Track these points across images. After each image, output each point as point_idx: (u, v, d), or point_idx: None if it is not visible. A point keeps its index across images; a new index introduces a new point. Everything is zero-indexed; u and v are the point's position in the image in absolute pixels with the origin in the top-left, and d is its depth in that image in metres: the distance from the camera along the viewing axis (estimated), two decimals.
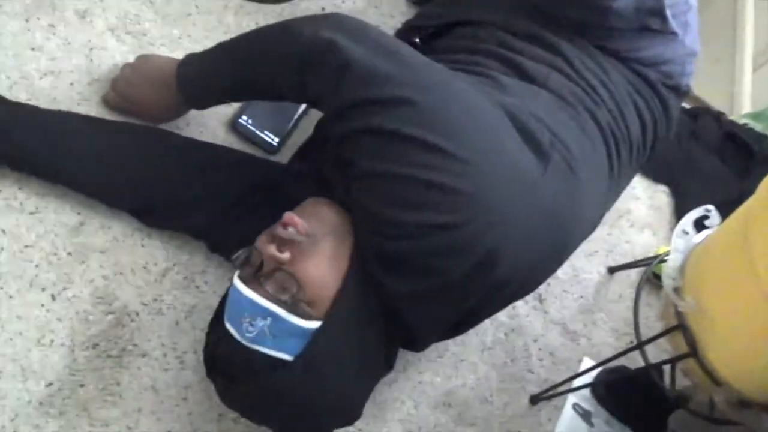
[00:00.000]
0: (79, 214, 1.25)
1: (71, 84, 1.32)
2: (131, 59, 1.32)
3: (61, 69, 1.32)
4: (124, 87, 1.27)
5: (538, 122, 1.03)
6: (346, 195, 1.01)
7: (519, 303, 1.48)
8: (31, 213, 1.23)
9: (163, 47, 1.39)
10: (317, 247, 0.92)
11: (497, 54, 1.16)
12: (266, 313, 0.88)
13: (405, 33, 1.36)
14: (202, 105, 1.23)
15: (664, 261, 1.19)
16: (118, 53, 1.37)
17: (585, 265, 1.62)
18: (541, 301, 1.54)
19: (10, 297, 1.17)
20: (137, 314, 1.23)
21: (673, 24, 1.18)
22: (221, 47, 1.15)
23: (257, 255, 0.96)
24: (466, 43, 1.23)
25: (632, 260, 1.59)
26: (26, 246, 1.20)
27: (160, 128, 1.27)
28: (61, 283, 1.20)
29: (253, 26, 1.34)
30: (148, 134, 1.27)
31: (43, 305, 1.18)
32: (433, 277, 0.95)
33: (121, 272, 1.24)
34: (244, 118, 1.38)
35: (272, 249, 0.90)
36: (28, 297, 1.18)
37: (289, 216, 0.97)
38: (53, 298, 1.19)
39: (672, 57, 1.22)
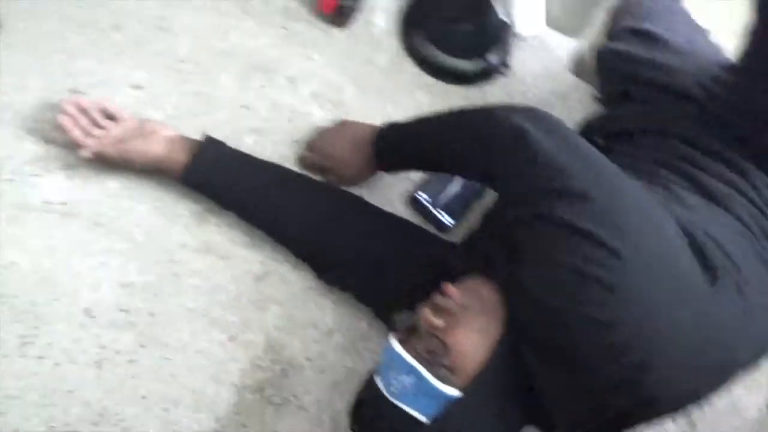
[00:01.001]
0: (263, 264, 1.36)
1: (273, 143, 1.44)
2: (327, 125, 1.45)
3: (266, 128, 1.46)
4: (323, 145, 1.40)
5: (711, 240, 1.05)
6: (507, 277, 1.06)
7: (668, 422, 1.44)
8: (223, 257, 1.33)
9: (359, 118, 1.48)
10: (470, 320, 0.97)
11: (679, 168, 1.20)
12: (411, 370, 0.94)
13: (588, 130, 1.41)
14: (393, 170, 1.36)
15: None
16: (318, 119, 1.50)
17: (745, 397, 1.54)
18: (691, 426, 1.49)
19: (196, 332, 1.27)
20: (302, 368, 1.32)
21: None
22: (423, 120, 1.26)
23: (415, 318, 1.03)
24: (648, 152, 1.27)
25: None
26: (215, 287, 1.31)
27: (349, 191, 1.37)
28: (240, 326, 1.30)
29: (445, 106, 1.45)
30: (340, 195, 1.38)
31: (222, 345, 1.28)
32: (580, 374, 0.97)
33: (293, 326, 1.34)
34: (423, 195, 1.46)
35: (429, 314, 0.96)
36: (212, 334, 1.29)
37: (448, 287, 1.04)
38: (232, 339, 1.28)
39: None
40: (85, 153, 1.26)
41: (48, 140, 1.33)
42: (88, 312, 1.23)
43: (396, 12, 1.65)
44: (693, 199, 1.13)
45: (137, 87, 1.40)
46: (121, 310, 1.25)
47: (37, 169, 1.31)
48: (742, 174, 1.18)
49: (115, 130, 1.29)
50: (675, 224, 1.03)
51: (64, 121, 1.27)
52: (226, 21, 1.54)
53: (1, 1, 1.41)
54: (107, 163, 1.29)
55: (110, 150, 1.27)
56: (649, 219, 1.01)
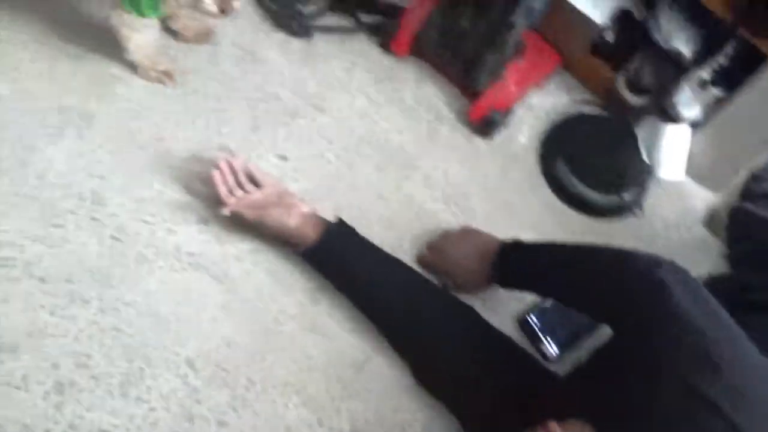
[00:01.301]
0: (365, 353, 1.36)
1: (398, 235, 1.47)
2: (452, 228, 1.48)
3: (393, 219, 1.50)
4: (445, 248, 1.42)
5: None
6: (615, 422, 1.02)
7: None
8: (328, 338, 1.35)
9: (483, 227, 1.50)
10: None
11: None
12: None
13: (712, 288, 1.37)
14: (509, 288, 1.35)
15: None
16: (444, 220, 1.52)
17: None
18: None
19: (287, 407, 1.29)
20: None
21: None
22: (553, 247, 1.26)
23: None
24: None
25: None
26: (314, 366, 1.33)
27: (460, 299, 1.37)
28: (331, 411, 1.30)
29: (569, 233, 1.44)
30: (450, 301, 1.38)
31: (310, 426, 1.29)
32: None
33: (381, 422, 1.32)
34: (533, 318, 1.45)
35: None
36: (302, 412, 1.29)
37: (553, 425, 1.01)
38: (320, 423, 1.29)
39: None
40: (225, 210, 1.31)
41: (190, 191, 1.39)
42: (191, 363, 1.25)
43: (540, 133, 1.68)
44: None
45: (282, 157, 1.47)
46: (222, 369, 1.27)
47: (175, 216, 1.37)
48: None
49: (256, 194, 1.34)
50: None
51: (215, 175, 1.33)
52: (377, 110, 1.61)
53: (182, 53, 1.54)
54: (242, 224, 1.34)
55: (248, 212, 1.32)
56: None
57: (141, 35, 1.34)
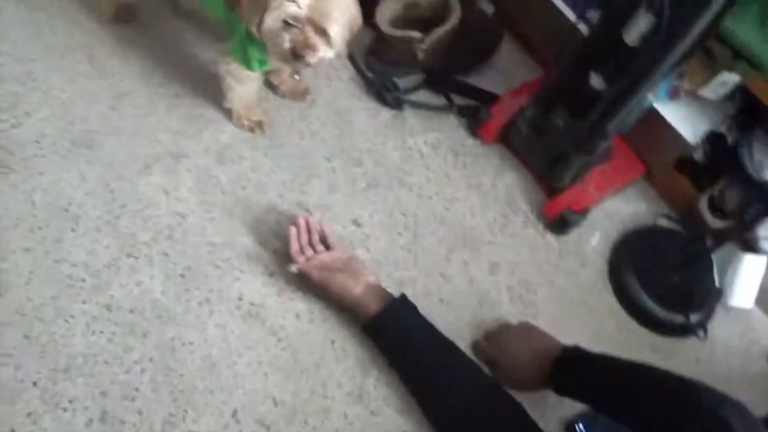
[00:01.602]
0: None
1: (457, 317, 1.46)
2: (512, 320, 1.46)
3: (455, 301, 1.48)
4: (504, 341, 1.40)
5: None
6: None
7: None
8: (373, 413, 1.33)
9: (544, 324, 1.49)
10: None
11: None
12: None
13: None
14: (564, 395, 1.30)
15: None
16: (506, 311, 1.50)
17: None
18: None
19: None
20: None
21: None
22: (617, 362, 1.23)
23: None
24: None
25: None
26: None
27: (511, 395, 1.33)
28: None
29: (629, 343, 1.46)
30: (501, 396, 1.34)
31: None
32: None
33: None
34: (581, 426, 1.40)
35: None
36: None
37: None
38: None
39: None
40: (293, 268, 1.33)
41: (262, 242, 1.42)
42: (234, 414, 1.25)
43: (613, 239, 1.67)
44: None
45: (356, 223, 1.48)
46: (264, 425, 1.26)
47: (243, 264, 1.39)
48: None
49: (325, 256, 1.35)
50: None
51: (291, 231, 1.36)
52: (454, 191, 1.62)
53: (276, 107, 1.59)
54: (307, 283, 1.35)
55: (315, 273, 1.33)
56: None
57: (244, 86, 1.39)
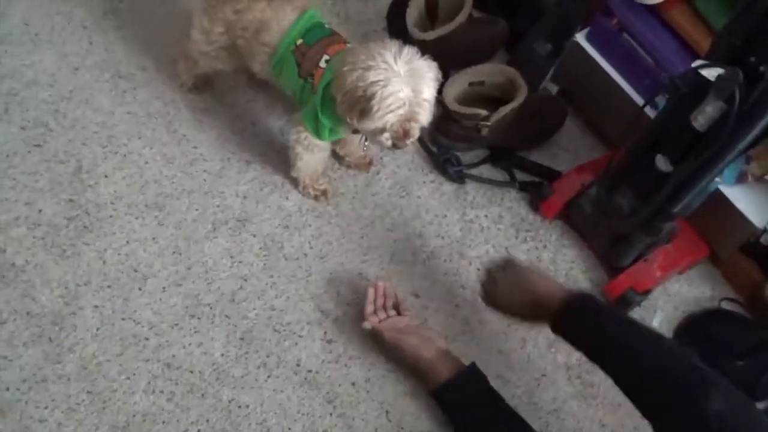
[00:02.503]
0: None
1: (512, 394, 1.43)
2: (570, 402, 1.41)
3: (512, 379, 1.46)
4: (502, 284, 1.34)
5: None
6: None
7: None
8: None
9: (602, 408, 1.46)
10: None
11: None
12: None
13: None
14: (560, 337, 1.24)
15: None
16: (563, 390, 1.45)
17: None
18: None
19: None
20: None
21: None
22: (630, 324, 1.19)
23: None
24: None
25: None
26: None
27: None
28: None
29: None
30: None
31: None
32: None
33: None
34: None
35: None
36: None
37: None
38: None
39: None
40: (367, 325, 1.34)
41: (322, 309, 1.42)
42: None
43: (674, 319, 1.66)
44: None
45: (415, 295, 1.47)
46: None
47: (303, 330, 1.38)
48: None
49: (398, 320, 1.35)
50: None
51: (369, 292, 1.37)
52: None
53: (341, 177, 1.61)
54: (378, 344, 1.36)
55: (387, 334, 1.33)
56: None
57: (312, 155, 1.41)
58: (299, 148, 1.38)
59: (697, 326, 1.60)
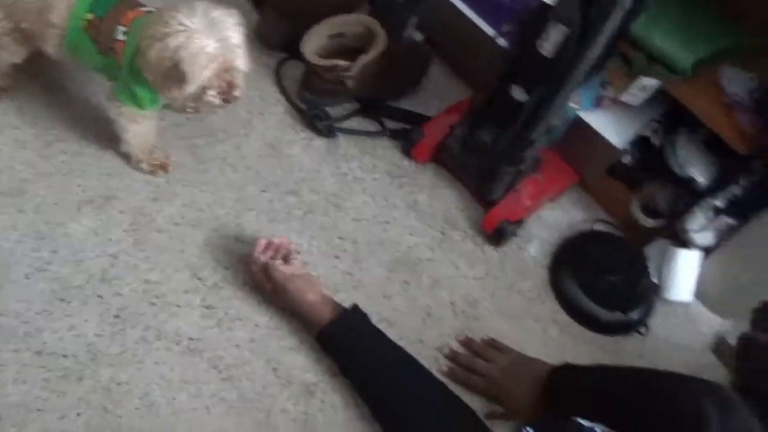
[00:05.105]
0: None
1: (401, 335, 1.37)
2: (455, 334, 1.41)
3: (399, 321, 1.41)
4: (498, 375, 1.34)
5: None
6: None
7: None
8: None
9: (490, 334, 1.43)
10: None
11: None
12: None
13: None
14: (557, 411, 1.25)
15: None
16: (449, 326, 1.43)
17: None
18: None
19: None
20: None
21: None
22: (605, 369, 1.19)
23: None
24: None
25: None
26: None
27: (461, 399, 1.29)
28: None
29: (574, 348, 1.43)
30: (456, 401, 1.31)
31: None
32: None
33: None
34: (529, 429, 1.33)
35: None
36: None
37: None
38: None
39: None
40: (255, 266, 1.30)
41: (199, 277, 1.34)
42: None
43: (551, 245, 1.60)
44: None
45: (296, 252, 1.38)
46: None
47: (180, 299, 1.30)
48: None
49: (285, 266, 1.30)
50: None
51: (261, 241, 1.32)
52: (392, 212, 1.55)
53: (208, 142, 1.51)
54: (262, 289, 1.32)
55: (278, 273, 1.28)
56: None
57: (139, 126, 1.30)
58: (123, 121, 1.27)
59: (572, 249, 1.60)
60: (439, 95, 1.73)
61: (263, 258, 1.28)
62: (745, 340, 1.47)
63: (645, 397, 1.08)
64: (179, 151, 1.46)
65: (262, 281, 1.30)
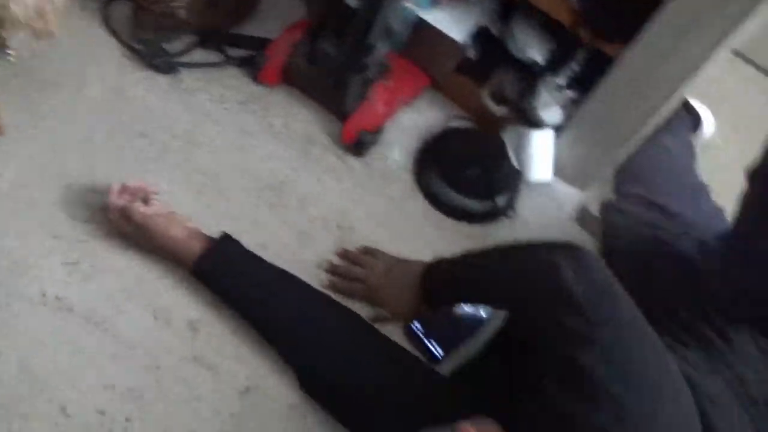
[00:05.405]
0: (249, 379, 1.26)
1: (277, 258, 1.37)
2: (332, 249, 1.42)
3: (273, 245, 1.42)
4: (376, 280, 1.35)
5: (719, 413, 1.00)
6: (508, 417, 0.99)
7: None
8: (209, 368, 1.25)
9: (366, 244, 1.45)
10: None
11: (672, 330, 1.15)
12: None
13: None
14: (437, 305, 1.28)
15: None
16: (324, 241, 1.45)
17: None
18: None
19: None
20: None
21: None
22: (471, 254, 1.23)
23: None
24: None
25: None
26: (197, 397, 1.22)
27: (347, 306, 1.31)
28: None
29: (451, 241, 1.43)
30: (338, 309, 1.33)
31: None
32: None
33: None
34: (417, 324, 1.35)
35: None
36: None
37: (464, 428, 0.96)
38: None
39: None
40: (112, 213, 1.25)
41: (56, 236, 1.29)
42: (63, 410, 1.13)
43: (412, 148, 1.63)
44: (701, 358, 1.10)
45: (156, 192, 1.34)
46: (98, 412, 1.15)
47: (40, 261, 1.24)
48: (728, 342, 1.14)
49: (145, 207, 1.26)
50: (682, 377, 0.97)
51: (114, 186, 1.27)
52: (249, 139, 1.52)
53: (46, 90, 1.43)
54: (124, 233, 1.27)
55: (136, 214, 1.23)
56: (662, 373, 0.95)
57: None
58: None
59: (433, 148, 1.63)
60: (278, 16, 1.69)
61: (120, 202, 1.23)
62: (605, 207, 1.57)
63: (506, 265, 1.15)
64: (11, 111, 1.37)
65: (122, 227, 1.25)
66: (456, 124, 1.69)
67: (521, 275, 1.06)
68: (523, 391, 0.98)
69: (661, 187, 1.51)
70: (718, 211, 1.50)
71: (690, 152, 1.64)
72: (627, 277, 1.16)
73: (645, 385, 0.91)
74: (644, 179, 1.55)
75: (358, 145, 1.53)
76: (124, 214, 1.24)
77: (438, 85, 1.71)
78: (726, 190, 1.45)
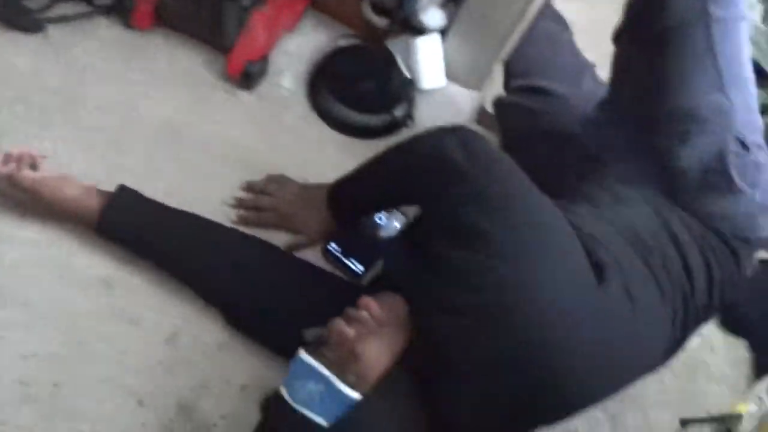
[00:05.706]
0: (173, 326, 1.26)
1: (185, 204, 1.37)
2: (237, 185, 1.42)
3: (176, 191, 1.40)
4: (286, 208, 1.38)
5: (596, 240, 1.07)
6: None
7: None
8: (132, 322, 1.25)
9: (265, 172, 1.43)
10: (381, 331, 0.97)
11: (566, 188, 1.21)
12: (320, 378, 0.91)
13: None
14: (349, 221, 1.32)
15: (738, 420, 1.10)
16: (229, 178, 1.47)
17: (657, 414, 1.48)
18: None
19: (103, 399, 1.17)
20: (215, 427, 1.22)
21: (740, 182, 1.17)
22: (363, 165, 1.25)
23: (324, 330, 1.00)
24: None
25: (707, 414, 1.46)
26: (123, 352, 1.22)
27: (261, 239, 1.32)
28: (150, 390, 1.19)
29: (353, 159, 1.39)
30: (253, 241, 1.34)
31: (132, 411, 1.18)
32: (474, 367, 0.96)
33: (205, 385, 1.23)
34: (334, 246, 1.40)
35: (342, 324, 0.95)
36: (120, 400, 1.18)
37: (365, 300, 1.02)
38: (141, 404, 1.19)
39: (739, 212, 1.20)
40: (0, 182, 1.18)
41: None
42: None
43: (302, 73, 1.61)
44: (597, 213, 1.16)
45: (43, 156, 1.29)
46: (21, 383, 1.13)
47: None
48: (619, 200, 1.21)
49: (34, 173, 1.22)
50: (575, 233, 1.04)
51: None
52: (134, 89, 1.47)
53: None
54: (17, 200, 1.24)
55: (25, 180, 1.20)
56: (548, 225, 1.04)
57: None
58: None
59: (324, 69, 1.61)
60: None
61: (5, 171, 1.19)
62: (498, 103, 1.60)
63: (398, 158, 1.18)
64: None
65: (13, 195, 1.22)
66: (343, 42, 1.67)
67: (411, 161, 1.09)
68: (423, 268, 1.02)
69: (545, 72, 1.55)
70: (602, 86, 1.52)
71: (568, 33, 1.65)
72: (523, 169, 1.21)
73: (529, 224, 1.00)
74: (529, 69, 1.58)
75: (245, 77, 1.50)
76: (12, 182, 1.20)
77: (319, 5, 1.68)
78: None
